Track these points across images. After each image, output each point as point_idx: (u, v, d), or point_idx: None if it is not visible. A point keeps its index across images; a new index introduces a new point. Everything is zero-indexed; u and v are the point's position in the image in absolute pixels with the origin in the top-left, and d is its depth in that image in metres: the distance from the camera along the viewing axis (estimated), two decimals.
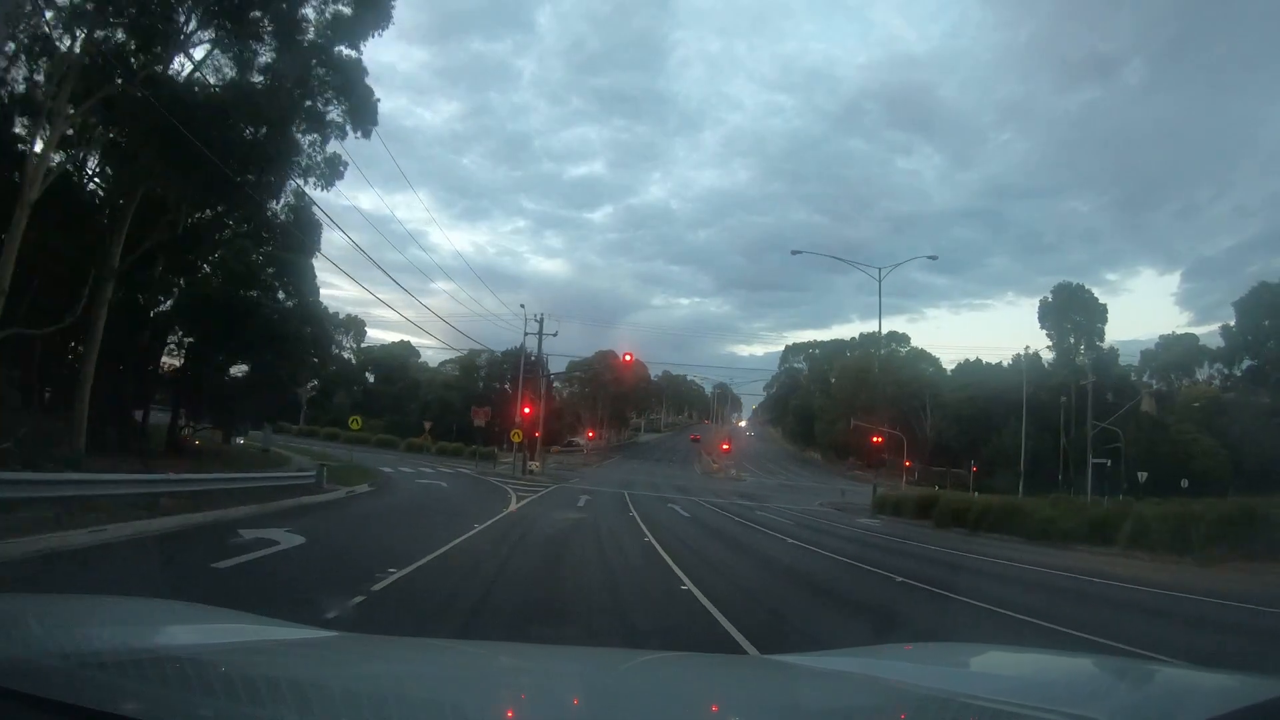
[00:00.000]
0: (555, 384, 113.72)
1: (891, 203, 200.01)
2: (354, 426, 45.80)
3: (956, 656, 3.27)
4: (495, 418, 55.33)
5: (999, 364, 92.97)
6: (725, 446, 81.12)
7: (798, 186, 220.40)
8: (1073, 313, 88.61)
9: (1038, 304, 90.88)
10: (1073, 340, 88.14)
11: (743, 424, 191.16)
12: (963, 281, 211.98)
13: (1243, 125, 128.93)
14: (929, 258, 57.35)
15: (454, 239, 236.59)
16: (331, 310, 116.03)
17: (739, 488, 63.89)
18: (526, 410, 46.97)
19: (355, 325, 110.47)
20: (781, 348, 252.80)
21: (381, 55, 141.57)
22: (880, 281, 49.94)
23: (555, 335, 51.84)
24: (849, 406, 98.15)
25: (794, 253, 55.31)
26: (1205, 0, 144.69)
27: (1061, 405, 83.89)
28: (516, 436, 46.40)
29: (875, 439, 53.45)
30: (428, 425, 58.72)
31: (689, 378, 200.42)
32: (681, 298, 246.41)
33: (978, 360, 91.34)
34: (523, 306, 50.11)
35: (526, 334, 52.27)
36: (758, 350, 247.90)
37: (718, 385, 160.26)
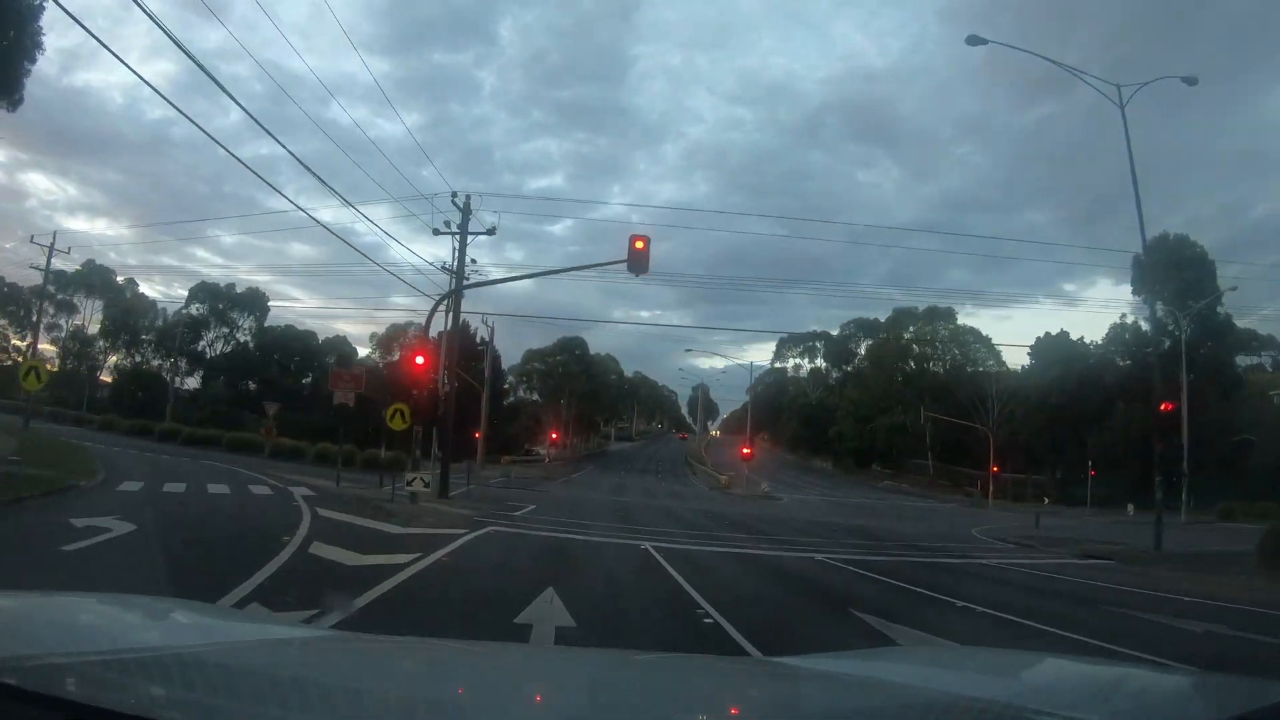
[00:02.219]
0: (508, 379, 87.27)
1: (850, 216, 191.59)
2: (29, 386, 20.10)
3: (959, 659, 3.15)
4: (376, 395, 29.12)
5: (1080, 339, 68.65)
6: (746, 451, 55.43)
7: (758, 199, 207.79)
8: (1177, 271, 64.90)
9: (1130, 261, 66.80)
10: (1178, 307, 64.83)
11: (716, 433, 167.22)
12: (920, 294, 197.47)
13: (1195, 140, 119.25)
14: (1185, 80, 32.18)
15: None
16: (226, 285, 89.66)
17: (791, 511, 38.31)
18: (420, 360, 20.61)
19: (255, 301, 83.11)
20: (743, 360, 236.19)
21: (343, 65, 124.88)
22: (1123, 106, 25.89)
23: (493, 234, 25.92)
24: (883, 400, 73.41)
25: (971, 41, 25.53)
26: (1159, 19, 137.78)
27: (1188, 385, 60.31)
28: (399, 422, 20.11)
29: (1165, 406, 26.66)
30: (271, 411, 32.16)
31: (661, 383, 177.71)
32: (642, 310, 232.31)
33: (1061, 334, 66.81)
34: (453, 199, 23.10)
35: (440, 232, 26.42)
36: (718, 363, 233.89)
37: (698, 386, 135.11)
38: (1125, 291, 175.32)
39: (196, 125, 24.93)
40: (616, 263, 21.08)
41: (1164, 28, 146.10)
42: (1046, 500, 55.98)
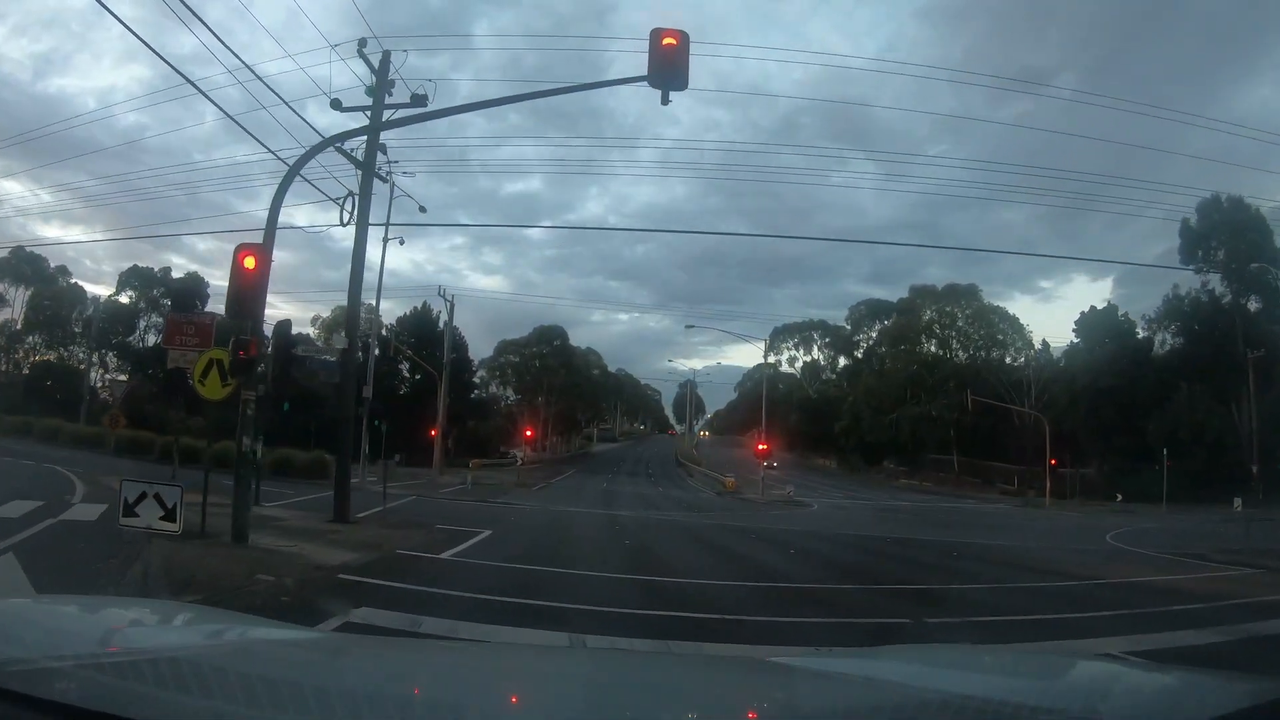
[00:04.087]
0: (479, 372, 76.71)
1: (828, 217, 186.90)
2: None
3: (956, 658, 2.88)
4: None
5: (1124, 315, 59.33)
6: (762, 448, 45.36)
7: (735, 201, 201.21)
8: (1235, 234, 55.98)
9: (1179, 226, 57.92)
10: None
11: (704, 434, 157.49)
12: (899, 293, 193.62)
13: (1170, 134, 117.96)
14: None
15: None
16: (161, 270, 78.01)
17: (837, 521, 28.35)
18: (250, 264, 10.44)
19: (194, 287, 71.84)
20: (721, 361, 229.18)
21: (316, 71, 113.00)
22: None
23: (422, 104, 15.45)
24: (901, 389, 63.85)
25: None
26: (1133, 15, 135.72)
27: (1251, 363, 51.84)
28: (214, 386, 10.22)
29: None
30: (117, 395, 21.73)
31: (645, 383, 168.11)
32: (621, 313, 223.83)
33: (1109, 307, 57.54)
34: (361, 50, 11.95)
35: (345, 108, 16.24)
36: (697, 364, 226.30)
37: (685, 382, 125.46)
38: (1105, 287, 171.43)
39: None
40: (635, 80, 11.26)
41: (1140, 21, 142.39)
42: (1119, 497, 46.46)
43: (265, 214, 11.55)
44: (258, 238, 11.39)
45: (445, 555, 11.26)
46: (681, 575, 11.11)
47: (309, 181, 14.88)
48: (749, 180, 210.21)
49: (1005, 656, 3.21)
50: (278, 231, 11.51)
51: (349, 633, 4.10)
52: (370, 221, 16.52)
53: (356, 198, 15.91)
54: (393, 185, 25.63)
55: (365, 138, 16.97)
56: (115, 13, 13.38)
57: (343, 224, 15.69)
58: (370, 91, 16.75)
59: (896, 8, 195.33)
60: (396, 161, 18.76)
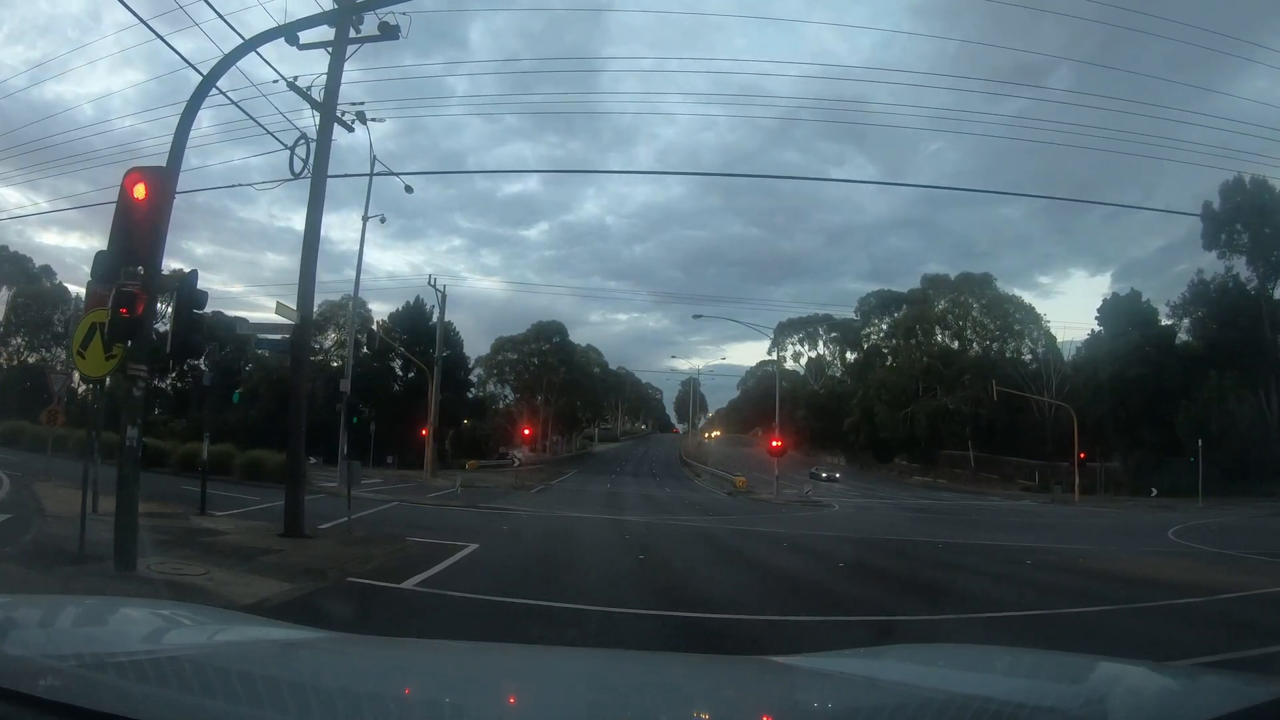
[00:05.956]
0: (476, 370, 73.87)
1: (826, 214, 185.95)
2: None
3: (958, 658, 2.84)
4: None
5: (1147, 302, 56.51)
6: (776, 444, 42.61)
7: (733, 200, 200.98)
8: (1259, 217, 53.16)
9: (1200, 209, 55.16)
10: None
11: (709, 435, 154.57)
12: (898, 290, 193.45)
13: (1168, 129, 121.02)
14: None
15: None
16: None
17: (874, 523, 25.49)
18: (141, 193, 7.67)
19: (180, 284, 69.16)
20: (723, 359, 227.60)
21: (313, 68, 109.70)
22: None
23: (392, 35, 12.68)
24: (914, 382, 61.02)
25: None
26: (1129, 9, 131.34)
27: None
28: (96, 359, 7.69)
29: None
30: (56, 387, 18.93)
31: (645, 381, 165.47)
32: (619, 313, 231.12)
33: (1132, 293, 54.74)
34: None
35: (305, 44, 13.19)
36: (697, 363, 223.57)
37: (687, 380, 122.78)
38: (1104, 282, 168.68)
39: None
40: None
41: (1135, 14, 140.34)
42: (1154, 491, 43.68)
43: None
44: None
45: (409, 584, 8.45)
46: (722, 607, 8.34)
47: (297, 145, 11.99)
48: (747, 179, 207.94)
49: (1007, 656, 2.95)
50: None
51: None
52: (331, 173, 13.71)
53: (312, 143, 13.12)
54: (373, 158, 22.85)
55: (325, 78, 14.27)
56: None
57: (294, 174, 12.91)
58: (331, 18, 13.98)
59: (891, 4, 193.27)
60: (374, 115, 15.89)
